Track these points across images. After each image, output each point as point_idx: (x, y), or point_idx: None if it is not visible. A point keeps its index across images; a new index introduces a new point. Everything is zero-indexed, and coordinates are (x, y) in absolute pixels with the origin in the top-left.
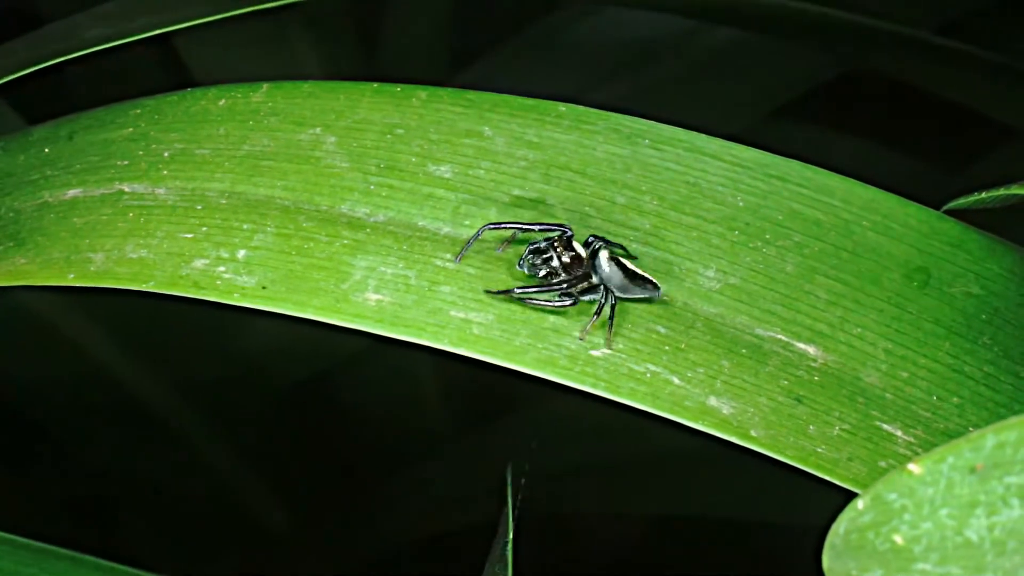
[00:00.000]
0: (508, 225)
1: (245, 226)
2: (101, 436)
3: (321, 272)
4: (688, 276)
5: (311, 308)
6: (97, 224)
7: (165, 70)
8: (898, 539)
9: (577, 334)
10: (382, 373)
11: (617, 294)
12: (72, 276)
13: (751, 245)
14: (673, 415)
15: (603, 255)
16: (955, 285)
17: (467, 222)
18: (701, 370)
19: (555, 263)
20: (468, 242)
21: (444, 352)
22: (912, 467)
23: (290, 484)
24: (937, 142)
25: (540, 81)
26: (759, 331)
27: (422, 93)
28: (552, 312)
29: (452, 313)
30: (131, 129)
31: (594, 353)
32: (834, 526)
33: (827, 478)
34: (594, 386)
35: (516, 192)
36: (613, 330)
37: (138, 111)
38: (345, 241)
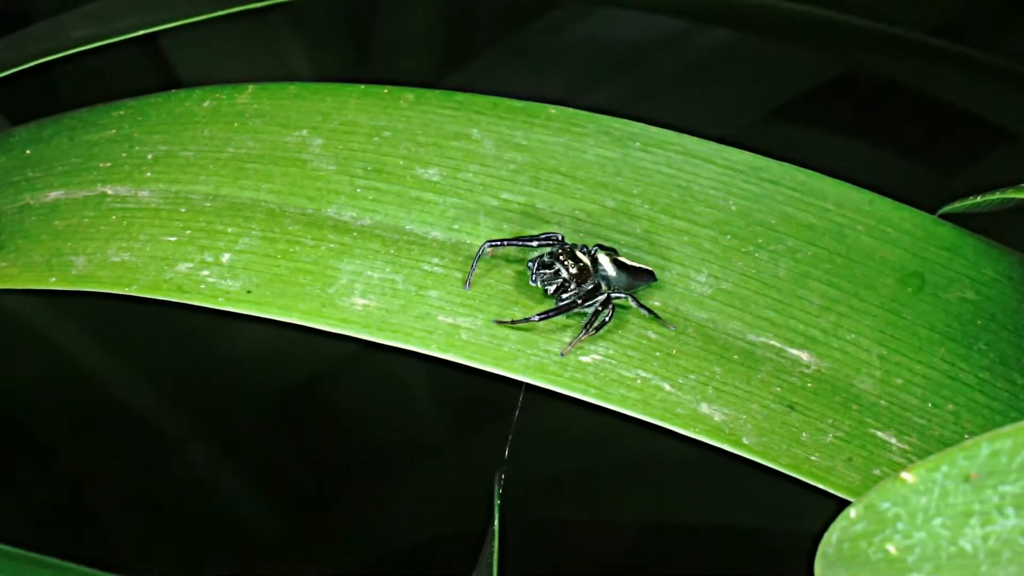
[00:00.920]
0: (508, 242)
1: (230, 229)
2: (87, 442)
3: (307, 276)
4: (679, 281)
5: (296, 313)
6: (79, 227)
7: (151, 71)
8: (891, 548)
9: (557, 350)
10: (373, 378)
11: (622, 294)
12: (54, 280)
13: (743, 249)
14: (664, 422)
15: (604, 259)
16: (950, 290)
17: (456, 226)
18: (692, 376)
19: (564, 274)
20: (472, 265)
21: (433, 357)
22: (905, 475)
23: (279, 490)
24: (933, 144)
25: (533, 83)
26: (751, 337)
27: (410, 95)
28: (599, 336)
29: (440, 318)
30: (114, 131)
31: (584, 359)
32: (826, 535)
33: (820, 486)
34: (584, 392)
35: (505, 196)
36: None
37: (121, 112)
38: (331, 245)
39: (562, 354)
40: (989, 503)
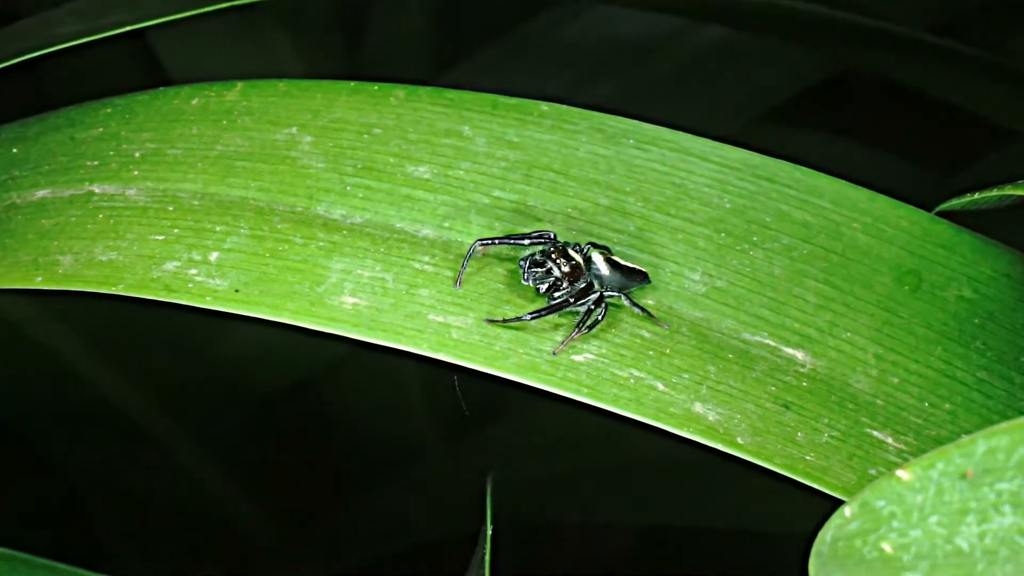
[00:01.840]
0: (500, 241)
1: (218, 228)
2: (79, 443)
3: (296, 275)
4: (674, 279)
5: (285, 312)
6: (66, 226)
7: (140, 68)
8: (886, 547)
9: (549, 348)
10: (366, 379)
11: (615, 293)
12: (40, 279)
13: (738, 248)
14: (657, 422)
15: (597, 258)
16: (947, 288)
17: (447, 224)
18: (686, 376)
19: (557, 273)
20: (463, 264)
21: (424, 357)
22: (901, 473)
23: (272, 492)
24: (930, 143)
25: (528, 81)
26: (746, 336)
27: (400, 92)
28: (591, 334)
29: (431, 317)
30: (102, 129)
31: (576, 358)
32: (820, 534)
33: (816, 486)
34: (576, 392)
35: (496, 193)
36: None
37: (109, 110)
38: (321, 243)
39: (554, 353)
40: (986, 501)
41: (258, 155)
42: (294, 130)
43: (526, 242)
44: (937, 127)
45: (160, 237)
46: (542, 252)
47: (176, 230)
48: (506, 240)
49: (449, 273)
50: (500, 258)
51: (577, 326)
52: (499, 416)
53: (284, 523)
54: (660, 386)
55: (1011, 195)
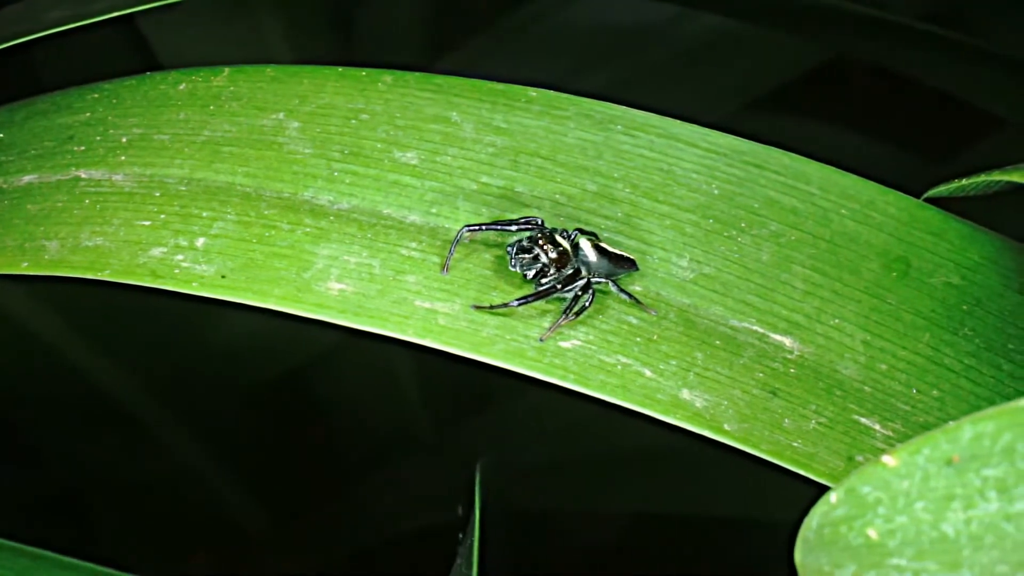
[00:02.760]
0: (487, 227)
1: (204, 214)
2: (69, 431)
3: (282, 261)
4: (661, 266)
5: (272, 298)
6: (52, 211)
7: (131, 53)
8: (872, 533)
9: (536, 335)
10: (359, 367)
11: (602, 279)
12: (26, 264)
13: (726, 234)
14: (644, 408)
15: (585, 244)
16: (935, 275)
17: (434, 210)
18: (674, 362)
19: (544, 259)
20: (450, 250)
21: (413, 344)
22: (887, 459)
23: (266, 481)
24: (921, 131)
25: (520, 68)
26: (733, 322)
27: (388, 77)
28: (579, 321)
29: (417, 303)
30: (89, 114)
31: (564, 345)
32: (806, 520)
33: (803, 473)
34: (563, 378)
35: (484, 179)
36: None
37: (96, 95)
38: (307, 229)
39: (541, 339)
40: (972, 487)
41: (245, 141)
42: (281, 115)
43: (513, 228)
44: (927, 114)
45: (147, 223)
46: (529, 238)
47: (163, 216)
48: (493, 226)
49: (436, 259)
50: (487, 244)
51: (564, 312)
52: (489, 404)
53: (276, 510)
54: (647, 372)
55: (998, 181)
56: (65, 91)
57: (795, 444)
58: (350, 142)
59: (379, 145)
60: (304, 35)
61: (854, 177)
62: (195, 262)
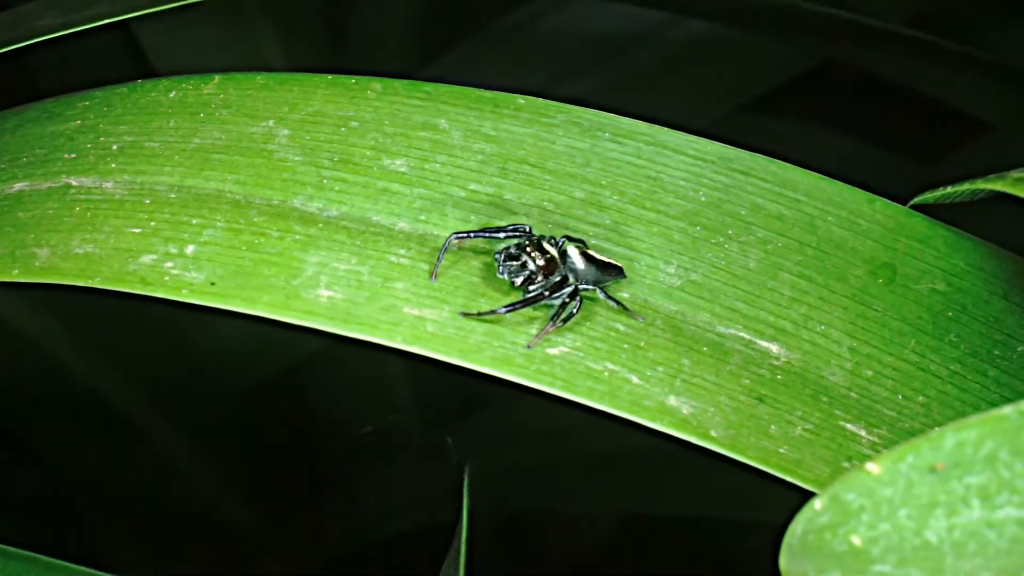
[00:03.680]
0: (475, 234)
1: (194, 221)
2: (61, 434)
3: (272, 268)
4: (649, 272)
5: (261, 305)
6: (43, 219)
7: (125, 60)
8: (856, 540)
9: (524, 342)
10: (349, 370)
11: (590, 286)
12: (17, 272)
13: (713, 241)
14: (631, 415)
15: (573, 251)
16: (921, 281)
17: (422, 217)
18: (661, 369)
19: (532, 266)
20: (439, 257)
21: (401, 350)
22: (870, 466)
23: (256, 483)
24: (908, 137)
25: (510, 75)
26: (720, 329)
27: (377, 85)
28: (567, 328)
29: (406, 310)
30: (79, 121)
31: (551, 351)
32: (791, 527)
33: (789, 479)
34: (551, 385)
35: (473, 186)
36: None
37: (87, 103)
38: (297, 236)
39: (529, 346)
40: (955, 494)
41: (235, 148)
42: (271, 123)
43: (501, 235)
44: (914, 119)
45: (137, 230)
46: (517, 245)
47: (153, 223)
48: (482, 233)
49: (425, 266)
50: (476, 251)
51: (552, 319)
52: (479, 407)
53: (267, 513)
54: (634, 379)
55: (984, 188)
56: (56, 99)
57: (781, 450)
58: (339, 149)
59: (368, 152)
60: (298, 39)
61: (841, 184)
62: (185, 269)
